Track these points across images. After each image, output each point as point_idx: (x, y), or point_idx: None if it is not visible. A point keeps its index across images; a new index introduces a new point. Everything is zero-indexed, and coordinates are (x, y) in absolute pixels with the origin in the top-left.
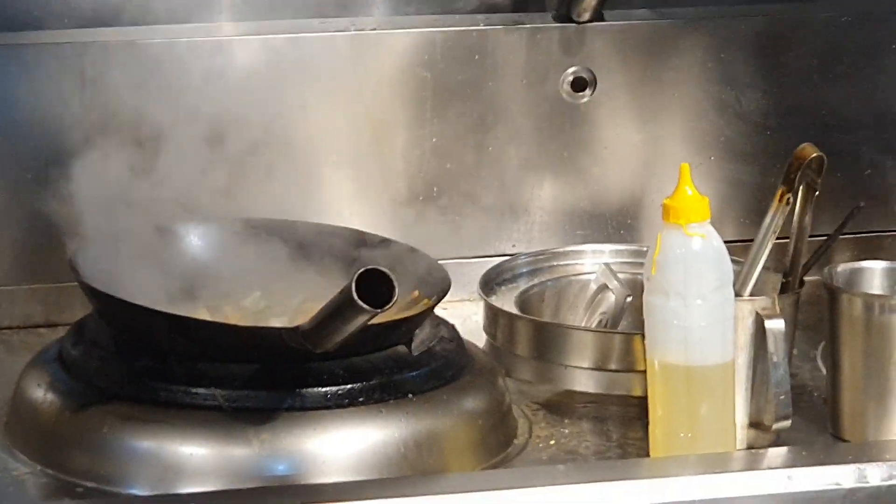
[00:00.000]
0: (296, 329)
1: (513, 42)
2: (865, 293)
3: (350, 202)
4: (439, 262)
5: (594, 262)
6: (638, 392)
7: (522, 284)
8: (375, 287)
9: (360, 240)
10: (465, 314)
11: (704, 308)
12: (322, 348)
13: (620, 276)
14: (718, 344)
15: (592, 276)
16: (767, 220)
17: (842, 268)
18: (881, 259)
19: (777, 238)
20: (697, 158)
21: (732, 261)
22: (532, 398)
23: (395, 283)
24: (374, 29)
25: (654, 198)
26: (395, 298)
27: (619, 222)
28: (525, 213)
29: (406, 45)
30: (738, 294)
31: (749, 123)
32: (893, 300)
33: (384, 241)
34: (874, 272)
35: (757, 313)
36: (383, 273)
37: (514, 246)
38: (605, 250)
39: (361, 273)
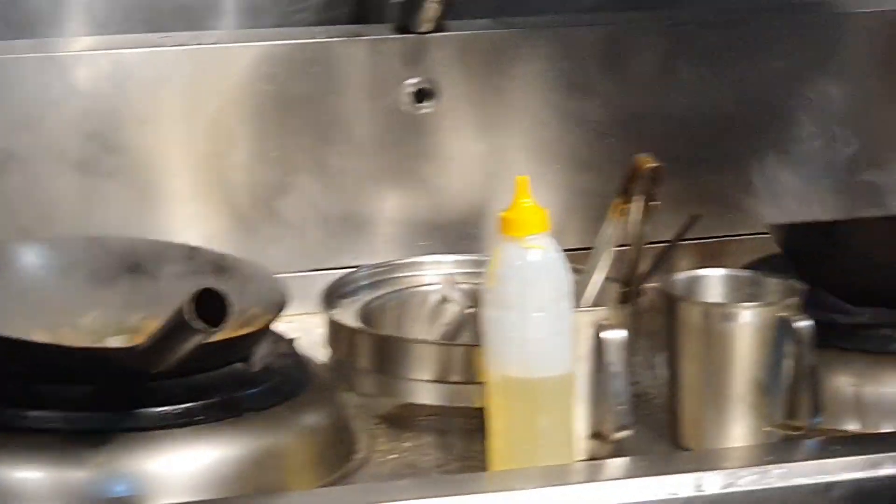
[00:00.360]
0: (132, 349)
1: (354, 54)
2: (704, 301)
3: (192, 217)
4: (282, 275)
5: (436, 273)
6: (480, 404)
7: (364, 297)
8: (211, 305)
9: (199, 256)
10: (308, 328)
11: (543, 320)
12: (158, 368)
13: (463, 287)
14: (557, 356)
15: (434, 288)
16: (605, 230)
17: (681, 276)
18: (723, 265)
19: (620, 246)
20: (540, 167)
21: (575, 271)
22: (374, 412)
23: (229, 303)
24: (215, 43)
25: (498, 207)
26: (228, 318)
27: (462, 233)
28: (368, 225)
29: (247, 58)
30: (577, 305)
31: (591, 131)
32: (731, 308)
33: (223, 257)
34: (713, 280)
35: (596, 324)
36: (217, 292)
37: (356, 258)
38: (447, 261)
39: (196, 293)
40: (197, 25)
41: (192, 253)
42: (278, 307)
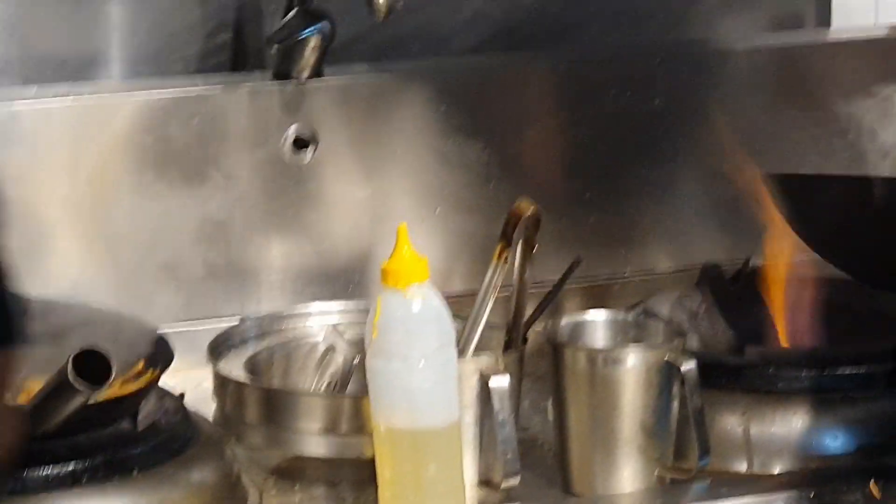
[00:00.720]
0: (13, 410)
1: (233, 102)
2: (588, 346)
3: (74, 272)
4: (168, 329)
5: (322, 322)
6: (370, 454)
7: (251, 349)
8: (93, 364)
9: (81, 311)
10: (195, 382)
11: (427, 369)
12: (42, 429)
13: (350, 335)
14: (443, 405)
15: (321, 337)
16: (487, 277)
17: (565, 321)
18: (609, 307)
19: (504, 290)
20: (423, 211)
21: (459, 317)
22: (263, 465)
23: (112, 362)
24: (95, 93)
25: (382, 253)
26: (111, 378)
27: (347, 280)
28: (253, 274)
29: (127, 109)
30: (461, 353)
31: (472, 175)
32: (616, 352)
33: (106, 312)
34: (597, 323)
35: (481, 372)
36: (99, 352)
37: (242, 309)
38: (333, 310)
39: (77, 353)
40: (76, 77)
41: (73, 309)
42: (163, 363)
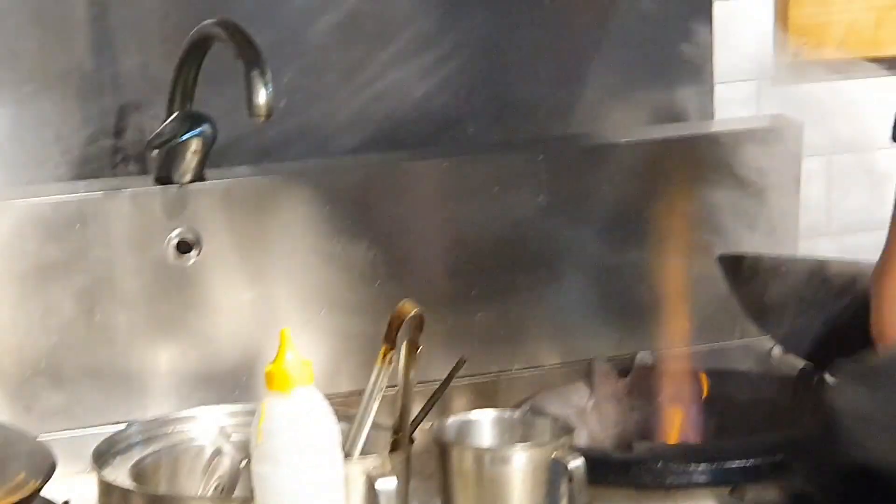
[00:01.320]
0: None
1: (115, 208)
2: (475, 446)
3: None
4: (53, 436)
5: (209, 425)
6: None
7: (137, 454)
8: None
9: None
10: (80, 489)
11: (314, 473)
12: None
13: (237, 438)
14: None
15: (208, 441)
16: (372, 379)
17: (451, 420)
18: (497, 403)
19: (388, 390)
20: (308, 313)
21: (345, 418)
22: None
23: None
24: None
25: (268, 356)
26: None
27: (233, 383)
28: (138, 380)
29: (7, 216)
30: (348, 455)
31: (356, 275)
32: (503, 451)
33: None
34: (484, 422)
35: (367, 474)
36: None
37: (128, 414)
38: (219, 413)
39: None
40: None
41: None
42: (46, 472)
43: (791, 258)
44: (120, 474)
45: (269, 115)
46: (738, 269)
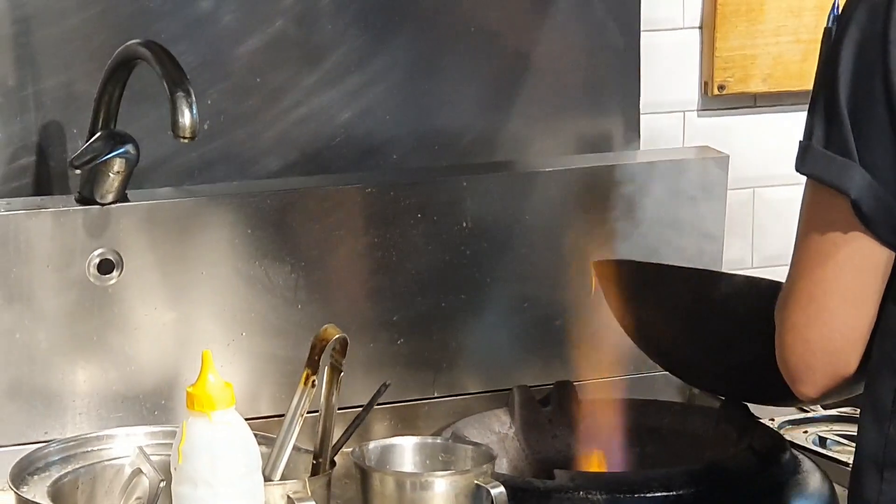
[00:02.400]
0: None
1: (36, 226)
2: (396, 471)
3: None
4: None
5: (129, 445)
6: None
7: (55, 473)
8: None
9: None
10: None
11: (233, 495)
12: None
13: (156, 458)
14: None
15: (127, 461)
16: (294, 402)
17: (373, 445)
18: (418, 429)
19: (308, 414)
20: (229, 335)
21: (266, 440)
22: None
23: None
24: None
25: (189, 377)
26: None
27: (153, 403)
28: (58, 398)
29: None
30: (268, 478)
31: (279, 297)
32: (425, 477)
33: None
34: (406, 448)
35: (288, 497)
36: None
37: (47, 433)
38: (139, 433)
39: None
40: None
41: None
42: None
43: (670, 267)
44: (38, 493)
45: (193, 137)
46: (613, 276)
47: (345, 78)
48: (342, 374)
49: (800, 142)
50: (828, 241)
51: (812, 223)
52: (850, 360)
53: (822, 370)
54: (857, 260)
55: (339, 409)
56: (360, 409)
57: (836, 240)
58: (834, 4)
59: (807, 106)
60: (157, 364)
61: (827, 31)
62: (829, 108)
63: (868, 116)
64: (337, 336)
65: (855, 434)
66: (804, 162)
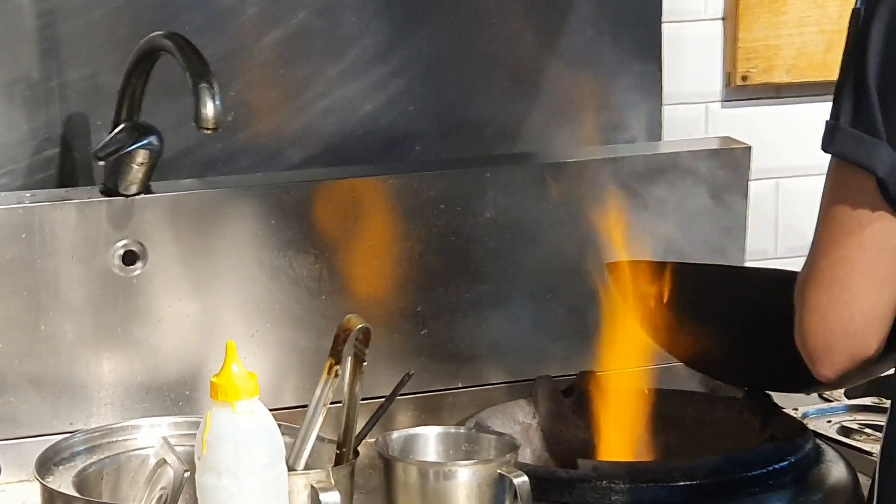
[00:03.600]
0: None
1: (60, 218)
2: (420, 461)
3: None
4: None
5: (153, 436)
6: None
7: (80, 463)
8: None
9: None
10: (24, 496)
11: (257, 485)
12: None
13: (180, 449)
14: None
15: (152, 451)
16: (317, 392)
17: (396, 435)
18: (442, 419)
19: (332, 404)
20: (253, 325)
21: (290, 431)
22: None
23: None
24: None
25: (212, 368)
26: None
27: (177, 394)
28: (82, 389)
29: None
30: (292, 468)
31: (302, 289)
32: (448, 467)
33: None
34: (429, 438)
35: (312, 486)
36: None
37: (72, 424)
38: (163, 423)
39: None
40: None
41: None
42: None
43: (685, 264)
44: (63, 483)
45: (216, 128)
46: (627, 277)
47: (368, 69)
48: (365, 363)
49: (826, 122)
50: (852, 220)
51: (836, 203)
52: (870, 342)
53: (841, 351)
54: (880, 239)
55: (364, 399)
56: (384, 399)
57: (861, 219)
58: None
59: (831, 96)
60: (181, 355)
61: (855, 11)
62: (857, 88)
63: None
64: (360, 326)
65: (878, 423)
66: (832, 141)
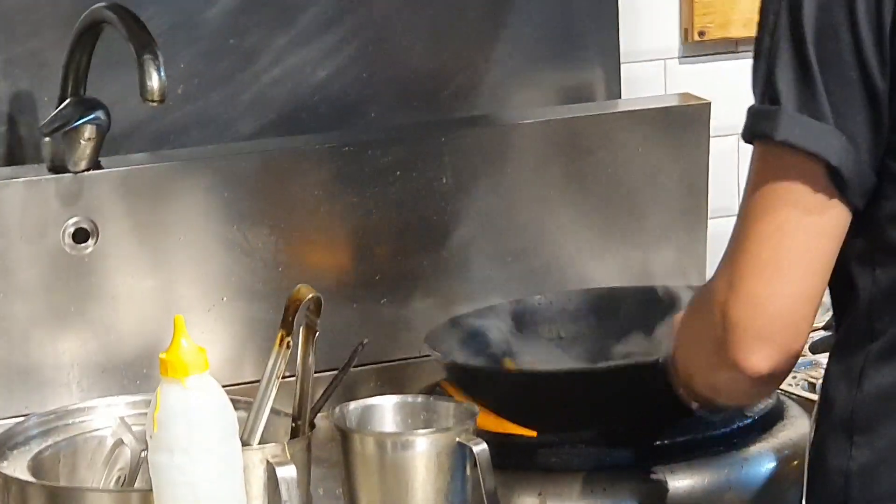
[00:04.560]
0: None
1: (9, 196)
2: (377, 432)
3: None
4: None
5: (110, 416)
6: None
7: (35, 447)
8: None
9: None
10: None
11: (211, 462)
12: None
13: (137, 428)
14: (229, 497)
15: (108, 432)
16: (270, 364)
17: (353, 406)
18: (401, 390)
19: (286, 377)
20: (210, 300)
21: (246, 405)
22: None
23: None
24: None
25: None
26: None
27: (135, 373)
28: (36, 371)
29: None
30: (247, 443)
31: (258, 261)
32: (405, 437)
33: None
34: (386, 408)
35: (268, 461)
36: None
37: (27, 407)
38: (119, 403)
39: None
40: None
41: None
42: None
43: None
44: (18, 468)
45: (162, 100)
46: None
47: (319, 35)
48: (318, 334)
49: (759, 107)
50: (797, 208)
51: (777, 191)
52: (804, 330)
53: (780, 342)
54: (827, 227)
55: (323, 371)
56: (336, 372)
57: (808, 207)
58: None
59: None
60: (137, 333)
61: None
62: (797, 68)
63: (838, 73)
64: (311, 296)
65: None
66: (776, 128)
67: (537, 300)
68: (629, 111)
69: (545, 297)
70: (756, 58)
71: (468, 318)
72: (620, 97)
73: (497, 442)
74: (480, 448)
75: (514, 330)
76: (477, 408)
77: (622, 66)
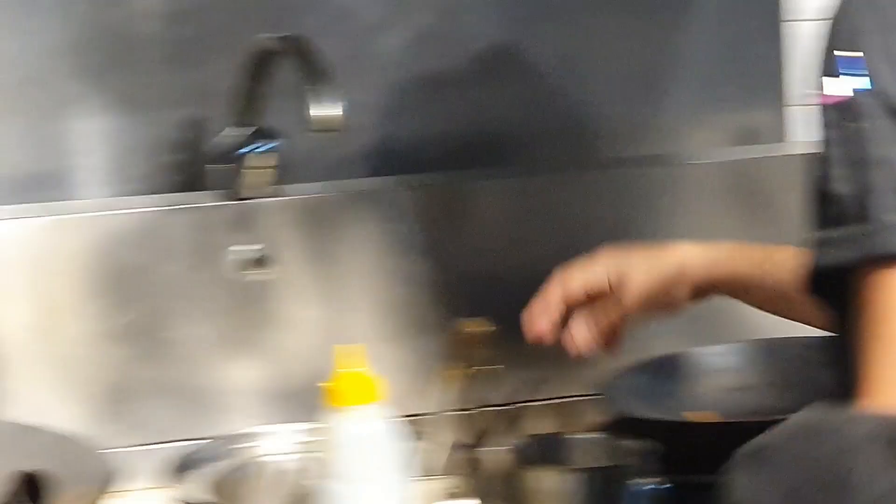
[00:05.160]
0: None
1: (186, 222)
2: (554, 466)
3: (29, 394)
4: (127, 449)
5: (282, 442)
6: None
7: (209, 470)
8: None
9: (32, 434)
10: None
11: (382, 493)
12: None
13: (311, 455)
14: None
15: (284, 458)
16: (441, 396)
17: (528, 440)
18: (572, 427)
19: (462, 411)
20: (379, 331)
21: (417, 437)
22: None
23: (45, 485)
24: (44, 216)
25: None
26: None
27: (306, 401)
28: (211, 396)
29: (74, 233)
30: (419, 475)
31: (433, 293)
32: (584, 474)
33: (55, 436)
34: (559, 443)
35: (440, 493)
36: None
37: (201, 431)
38: (294, 430)
39: (17, 477)
40: (29, 198)
41: (26, 430)
42: (103, 484)
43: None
44: (195, 490)
45: (331, 131)
46: None
47: (491, 70)
48: (494, 367)
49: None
50: None
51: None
52: None
53: None
54: None
55: (498, 405)
56: (517, 405)
57: None
58: None
59: None
60: (308, 360)
61: (848, 103)
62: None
63: None
64: (485, 330)
65: None
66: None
67: (711, 350)
68: (794, 154)
69: (718, 348)
70: None
71: (644, 366)
72: (783, 140)
73: (675, 482)
74: (656, 488)
75: (685, 379)
76: (661, 448)
77: (786, 109)
